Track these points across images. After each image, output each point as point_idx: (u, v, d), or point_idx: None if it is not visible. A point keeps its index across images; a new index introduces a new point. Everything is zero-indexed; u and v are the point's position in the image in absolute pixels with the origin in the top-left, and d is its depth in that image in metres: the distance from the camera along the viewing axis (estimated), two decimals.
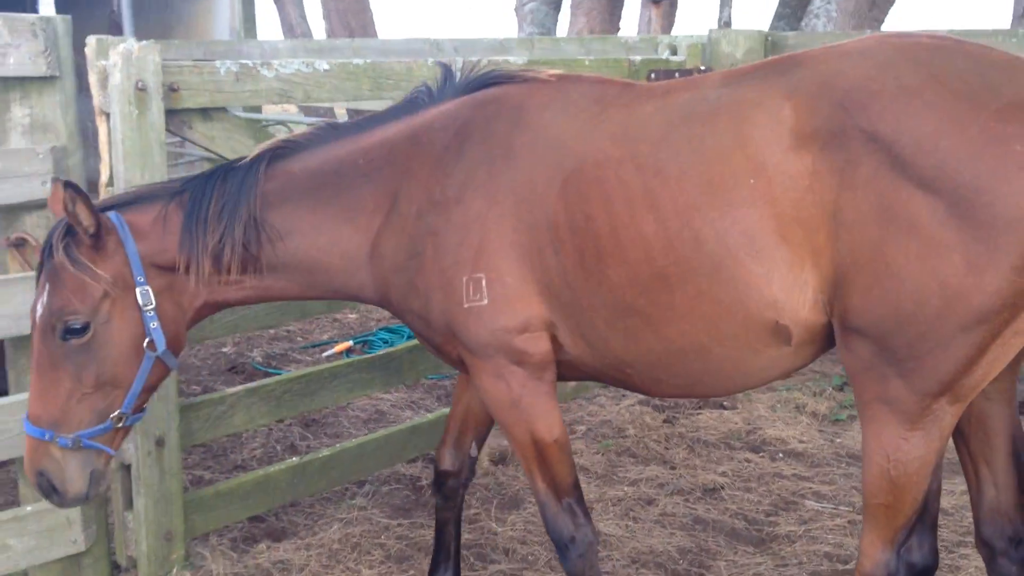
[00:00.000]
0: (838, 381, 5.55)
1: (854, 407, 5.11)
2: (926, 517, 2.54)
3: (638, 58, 5.02)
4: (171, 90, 3.29)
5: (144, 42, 3.19)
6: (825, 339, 2.44)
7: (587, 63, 4.68)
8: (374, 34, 10.84)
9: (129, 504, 3.42)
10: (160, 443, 3.35)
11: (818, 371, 5.71)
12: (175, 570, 3.44)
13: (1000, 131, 2.09)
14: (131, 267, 2.57)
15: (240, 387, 3.74)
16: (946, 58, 2.26)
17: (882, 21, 7.40)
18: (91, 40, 3.25)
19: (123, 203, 2.70)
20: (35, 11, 18.15)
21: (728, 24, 9.93)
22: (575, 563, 2.82)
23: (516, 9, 9.99)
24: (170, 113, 3.31)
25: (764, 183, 2.29)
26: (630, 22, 11.07)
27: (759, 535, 3.95)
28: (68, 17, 3.27)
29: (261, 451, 4.76)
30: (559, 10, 9.78)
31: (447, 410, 4.64)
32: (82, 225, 2.50)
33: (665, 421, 5.09)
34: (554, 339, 2.63)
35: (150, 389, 2.69)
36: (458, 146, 2.64)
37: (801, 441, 4.87)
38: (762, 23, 11.40)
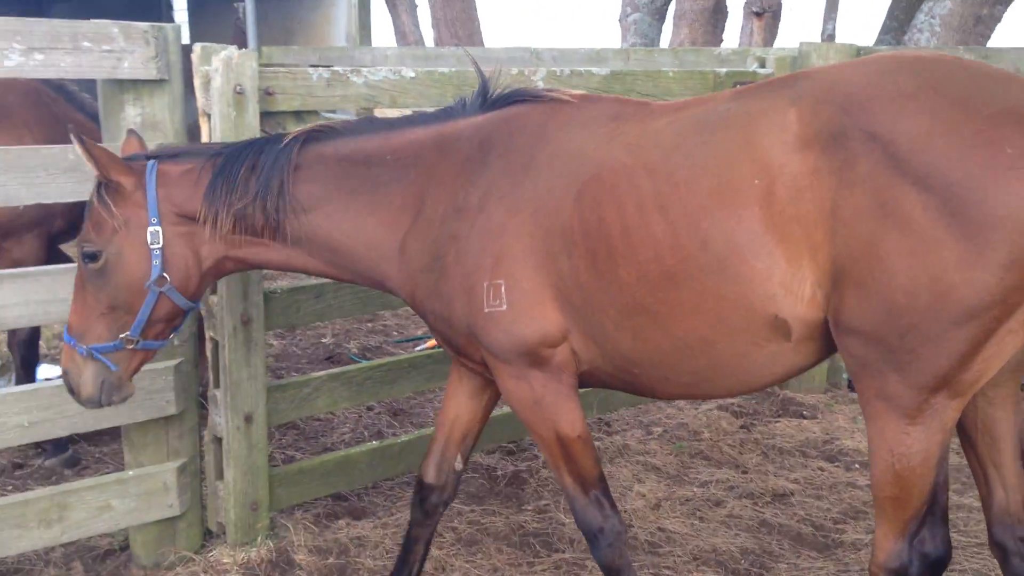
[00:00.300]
0: None
1: None
2: (936, 509, 2.59)
3: (723, 70, 5.07)
4: (267, 94, 3.55)
5: (243, 50, 3.47)
6: (824, 338, 2.50)
7: (671, 75, 4.76)
8: (480, 42, 11.12)
9: (220, 475, 3.70)
10: (248, 419, 3.62)
11: None
12: (259, 538, 3.70)
13: (991, 134, 2.18)
14: (147, 209, 2.81)
15: (324, 372, 3.99)
16: (943, 69, 2.36)
17: (988, 37, 7.22)
18: (196, 47, 3.53)
19: (165, 155, 2.94)
20: (170, 18, 19.16)
21: (832, 37, 9.83)
22: (605, 552, 2.94)
23: (620, 20, 10.12)
24: (265, 115, 3.58)
25: (768, 184, 2.40)
26: (732, 34, 11.05)
27: (824, 541, 3.98)
28: (178, 25, 3.58)
29: (350, 435, 5.02)
30: (663, 21, 9.86)
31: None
32: (96, 171, 2.79)
33: (742, 427, 5.14)
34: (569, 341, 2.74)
35: (161, 322, 2.90)
36: (482, 157, 2.79)
37: None
38: (868, 37, 11.19)
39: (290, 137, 2.91)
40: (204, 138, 3.59)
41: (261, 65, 3.52)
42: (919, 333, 2.26)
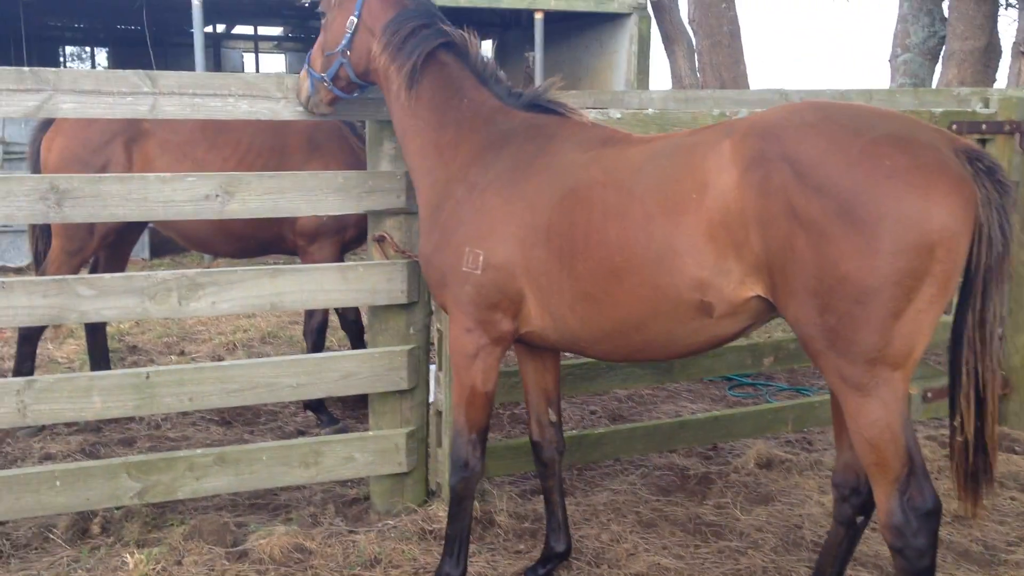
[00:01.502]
0: None
1: None
2: (915, 468, 2.87)
3: (939, 111, 5.26)
4: None
5: None
6: (747, 314, 3.06)
7: None
8: (746, 85, 11.50)
9: (439, 442, 4.49)
10: None
11: None
12: None
13: (873, 151, 2.73)
14: (355, 2, 3.78)
15: None
16: (843, 108, 2.95)
17: None
18: None
19: None
20: None
21: None
22: (460, 481, 3.66)
23: (890, 60, 10.14)
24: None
25: (703, 196, 2.96)
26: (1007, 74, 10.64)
27: (989, 559, 4.10)
28: None
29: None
30: (936, 61, 9.78)
31: (717, 412, 5.27)
32: None
33: (945, 455, 5.23)
34: (528, 315, 3.39)
35: (342, 80, 3.89)
36: (502, 144, 3.49)
37: None
38: None
39: (443, 33, 3.70)
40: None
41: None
42: (832, 312, 2.76)
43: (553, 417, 3.92)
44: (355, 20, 3.79)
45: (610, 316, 3.22)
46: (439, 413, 4.47)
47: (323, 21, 3.94)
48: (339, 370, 4.27)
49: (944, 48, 9.32)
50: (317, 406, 5.67)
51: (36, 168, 5.57)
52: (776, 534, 4.32)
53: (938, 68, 9.65)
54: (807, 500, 4.66)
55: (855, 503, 3.35)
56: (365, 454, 4.34)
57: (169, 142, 5.47)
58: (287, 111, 4.14)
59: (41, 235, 5.70)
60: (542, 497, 4.55)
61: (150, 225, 5.71)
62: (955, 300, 3.03)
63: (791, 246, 2.81)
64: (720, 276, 2.99)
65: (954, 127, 5.23)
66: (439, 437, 4.48)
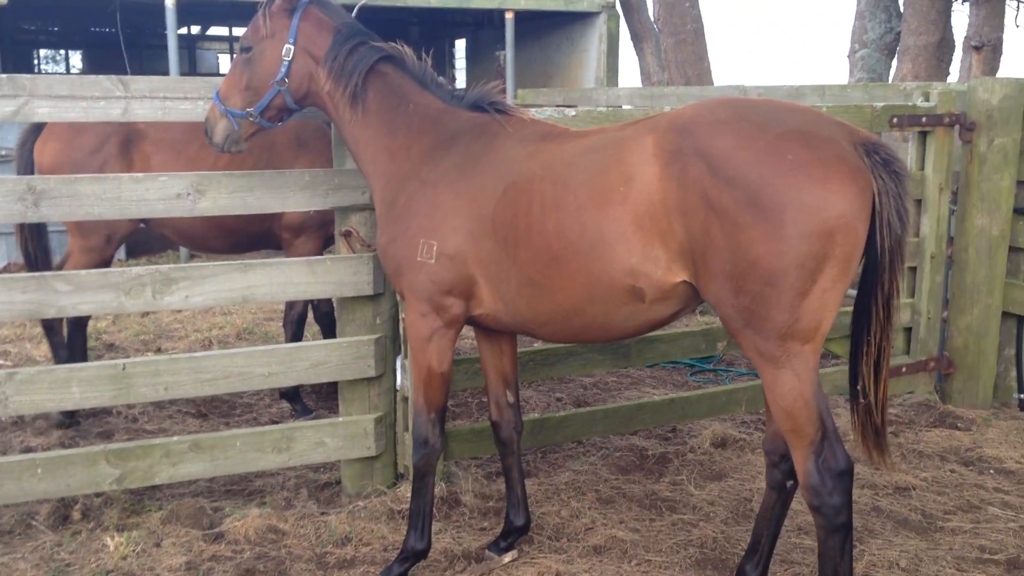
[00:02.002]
0: None
1: None
2: (828, 433, 3.12)
3: (880, 104, 5.52)
4: None
5: None
6: (677, 299, 3.28)
7: (824, 109, 5.30)
8: (710, 82, 11.75)
9: (406, 427, 4.70)
10: None
11: None
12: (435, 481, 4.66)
13: (779, 146, 2.97)
14: (288, 31, 3.88)
15: None
16: (754, 105, 3.17)
17: None
18: None
19: (318, 4, 3.95)
20: (453, 66, 21.18)
21: None
22: (421, 458, 3.88)
23: (848, 56, 10.41)
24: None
25: (629, 189, 3.19)
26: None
27: (927, 526, 4.35)
28: None
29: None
30: (892, 56, 10.06)
31: (673, 395, 5.51)
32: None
33: (891, 433, 5.49)
34: (480, 298, 3.62)
35: (273, 109, 3.96)
36: (450, 143, 3.72)
37: (1019, 462, 5.06)
38: None
39: (379, 49, 3.88)
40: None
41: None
42: (746, 293, 3.00)
43: (511, 399, 4.13)
44: (291, 48, 3.90)
45: (552, 300, 3.44)
46: (405, 399, 4.68)
47: (246, 56, 3.95)
48: (309, 359, 4.47)
49: (899, 43, 9.59)
50: (292, 396, 5.87)
51: (26, 173, 5.69)
52: (727, 507, 4.56)
53: (895, 63, 9.93)
54: (757, 476, 4.91)
55: (784, 468, 3.56)
56: (335, 439, 4.55)
57: (164, 140, 5.63)
58: None
59: (31, 236, 5.81)
60: (501, 476, 4.80)
61: (141, 224, 5.84)
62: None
63: (708, 233, 3.04)
64: (648, 263, 3.21)
65: (895, 120, 5.49)
66: (406, 422, 4.69)
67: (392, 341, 4.70)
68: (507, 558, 4.05)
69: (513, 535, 4.15)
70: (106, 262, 5.68)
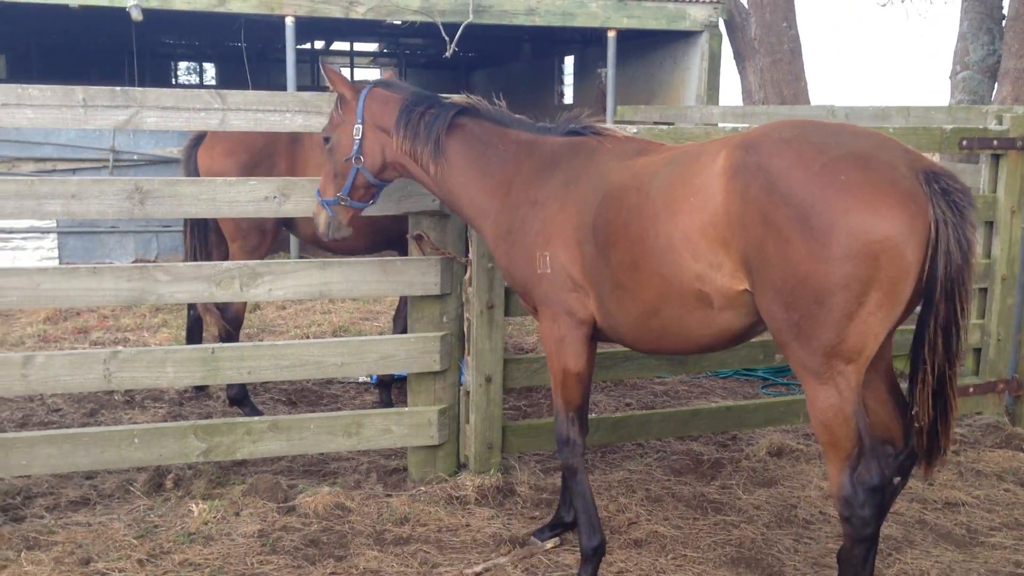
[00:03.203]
0: None
1: None
2: (865, 449, 3.21)
3: (950, 127, 5.59)
4: None
5: None
6: (746, 308, 3.36)
7: (891, 130, 5.42)
8: (806, 101, 11.75)
9: (467, 419, 5.02)
10: (488, 380, 4.92)
11: None
12: (492, 470, 4.96)
13: (833, 167, 3.06)
14: (356, 113, 4.19)
15: None
16: (821, 127, 3.27)
17: None
18: None
19: (381, 84, 4.31)
20: (561, 82, 21.53)
21: None
22: (567, 455, 4.04)
23: (950, 76, 10.30)
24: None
25: (698, 199, 3.34)
26: None
27: (968, 541, 4.42)
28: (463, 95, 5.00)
29: None
30: (994, 78, 9.90)
31: (729, 403, 5.67)
32: (331, 86, 4.28)
33: (953, 451, 5.53)
34: (592, 303, 3.79)
35: (360, 189, 4.26)
36: (552, 165, 3.96)
37: None
38: None
39: (453, 106, 4.18)
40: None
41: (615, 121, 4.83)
42: (795, 309, 3.11)
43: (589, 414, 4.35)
44: (360, 127, 4.19)
45: (633, 302, 3.63)
46: (467, 393, 5.00)
47: (328, 147, 4.29)
48: (379, 351, 4.84)
49: (1000, 65, 9.46)
50: (386, 385, 6.25)
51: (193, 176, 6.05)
52: (771, 511, 4.72)
53: (996, 85, 9.77)
54: (808, 484, 5.04)
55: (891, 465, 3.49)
56: (401, 427, 4.90)
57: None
58: None
59: (192, 232, 6.23)
60: (558, 471, 5.08)
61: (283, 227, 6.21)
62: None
63: (763, 247, 3.15)
64: (712, 269, 3.34)
65: (964, 143, 5.55)
66: (467, 415, 5.01)
67: (458, 339, 5.03)
68: (549, 544, 4.32)
69: (560, 528, 4.40)
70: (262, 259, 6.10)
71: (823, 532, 4.52)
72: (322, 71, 4.37)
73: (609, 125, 4.20)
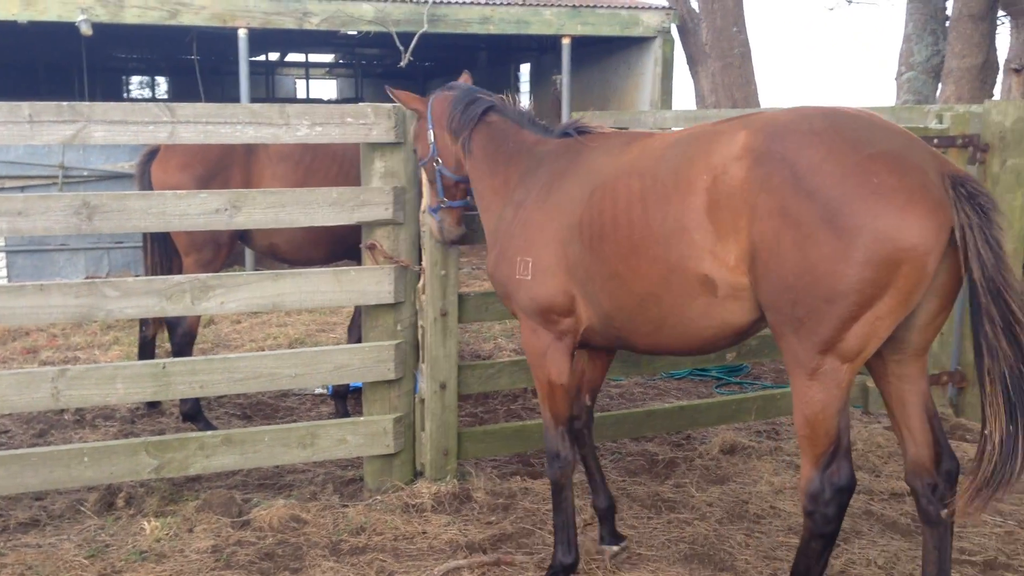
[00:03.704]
0: None
1: None
2: (841, 449, 3.18)
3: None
4: None
5: None
6: (749, 301, 3.25)
7: None
8: (756, 104, 11.93)
9: (423, 427, 5.03)
10: (443, 387, 4.94)
11: None
12: (448, 477, 4.98)
13: (866, 167, 2.95)
14: (427, 120, 4.39)
15: (507, 359, 5.22)
16: (850, 119, 3.13)
17: None
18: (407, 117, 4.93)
19: (442, 89, 4.47)
20: (518, 89, 21.63)
21: None
22: (556, 471, 4.00)
23: (896, 78, 10.51)
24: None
25: (713, 180, 3.21)
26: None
27: (914, 529, 4.50)
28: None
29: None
30: (939, 79, 10.12)
31: (683, 402, 5.75)
32: (403, 104, 4.55)
33: (898, 444, 5.63)
34: (580, 309, 3.75)
35: (451, 187, 4.42)
36: (536, 167, 3.98)
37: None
38: None
39: (484, 102, 4.28)
40: (423, 184, 4.97)
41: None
42: (802, 306, 3.03)
43: (588, 402, 4.32)
44: (431, 131, 4.39)
45: (631, 290, 3.51)
46: (422, 401, 5.01)
47: (421, 162, 4.55)
48: (333, 362, 4.84)
49: (944, 66, 9.67)
50: (342, 395, 6.26)
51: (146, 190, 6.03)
52: (724, 508, 4.79)
53: (940, 86, 9.99)
54: (759, 480, 5.11)
55: (937, 497, 3.35)
56: (356, 437, 4.91)
57: (279, 150, 6.07)
58: (287, 135, 4.74)
59: (152, 248, 6.21)
60: (516, 484, 5.11)
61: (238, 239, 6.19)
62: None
63: (778, 240, 3.04)
64: (720, 255, 3.22)
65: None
66: (423, 422, 5.03)
67: (412, 347, 5.05)
68: (616, 548, 4.27)
69: (607, 519, 4.32)
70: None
71: (773, 526, 4.59)
72: (391, 95, 4.51)
73: (596, 125, 4.18)
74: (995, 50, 9.42)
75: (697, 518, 4.68)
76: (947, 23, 9.97)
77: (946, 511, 3.32)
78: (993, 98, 9.37)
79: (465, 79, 4.73)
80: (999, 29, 9.94)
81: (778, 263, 3.06)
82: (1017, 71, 9.24)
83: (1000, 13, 9.78)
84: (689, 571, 4.15)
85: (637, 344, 3.76)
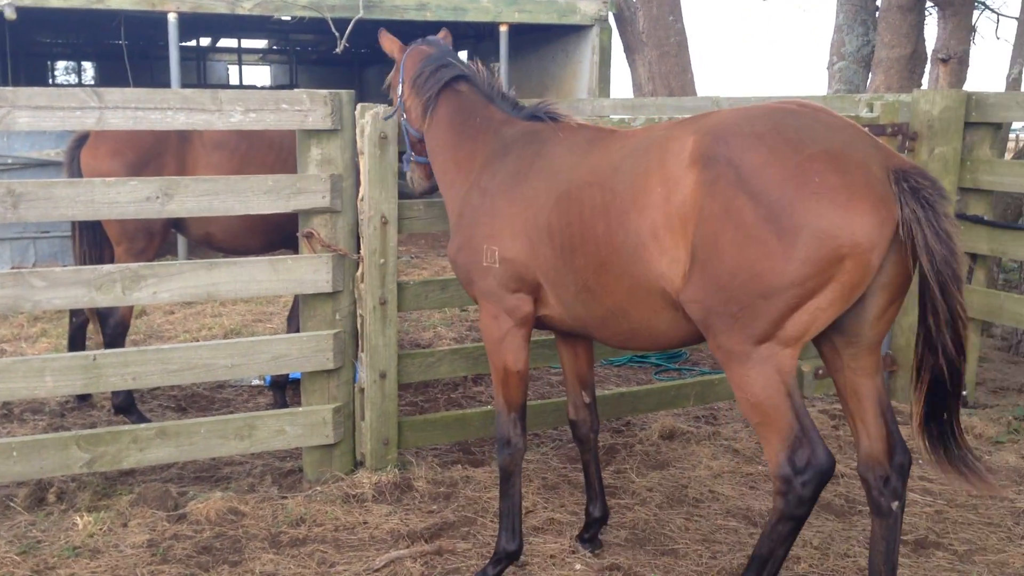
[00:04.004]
0: (1021, 411, 5.79)
1: (1021, 431, 5.48)
2: (808, 431, 3.12)
3: None
4: None
5: (386, 106, 4.79)
6: None
7: None
8: (693, 93, 12.00)
9: (363, 416, 4.99)
10: (383, 376, 4.90)
11: (1011, 403, 5.97)
12: (389, 467, 4.95)
13: (807, 167, 2.96)
14: (400, 72, 4.48)
15: (447, 347, 5.19)
16: (793, 117, 3.13)
17: None
18: (358, 106, 4.88)
19: (424, 41, 4.48)
20: None
21: (1017, 82, 9.86)
22: (505, 458, 3.99)
23: (828, 67, 10.66)
24: (404, 153, 4.88)
25: (668, 191, 3.21)
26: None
27: (848, 510, 4.61)
28: (351, 91, 4.96)
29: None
30: (869, 68, 10.29)
31: (623, 389, 5.78)
32: (384, 48, 4.64)
33: (833, 427, 5.76)
34: (544, 301, 3.78)
35: (417, 143, 4.45)
36: (505, 152, 3.95)
37: None
38: None
39: (456, 69, 4.26)
40: (361, 172, 4.92)
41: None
42: (737, 303, 3.05)
43: (587, 399, 4.25)
44: (401, 85, 4.39)
45: (603, 304, 3.52)
46: (362, 391, 4.97)
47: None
48: (271, 352, 4.77)
49: (874, 56, 9.84)
50: (280, 386, 6.17)
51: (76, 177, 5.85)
52: (663, 493, 4.83)
53: (871, 75, 10.16)
54: (698, 465, 5.17)
55: (889, 490, 3.32)
56: (295, 427, 4.84)
57: (213, 138, 5.93)
58: (220, 121, 4.64)
59: (81, 237, 6.00)
60: (457, 473, 5.09)
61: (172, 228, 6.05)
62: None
63: (716, 240, 3.05)
64: (673, 266, 3.22)
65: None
66: (363, 412, 4.98)
67: (351, 336, 5.00)
68: (589, 552, 4.23)
69: (594, 526, 4.30)
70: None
71: (712, 510, 4.65)
72: (379, 36, 4.58)
73: (566, 111, 4.13)
74: (923, 40, 9.61)
75: (638, 503, 4.72)
76: (877, 14, 10.14)
77: (897, 503, 3.30)
78: (921, 87, 9.56)
79: (444, 36, 4.66)
80: (927, 20, 10.13)
81: (715, 262, 3.06)
82: (944, 61, 9.46)
83: (928, 4, 9.97)
84: (631, 556, 4.18)
85: (608, 343, 3.79)
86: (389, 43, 4.55)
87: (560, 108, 4.09)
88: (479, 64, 4.35)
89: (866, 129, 5.77)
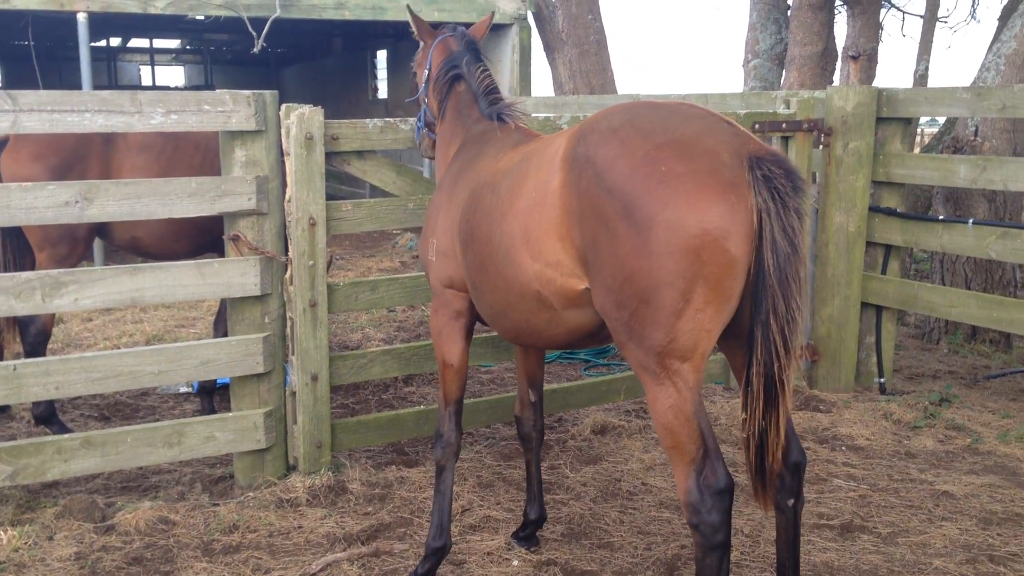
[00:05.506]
0: (936, 396, 6.02)
1: (938, 416, 5.68)
2: (709, 450, 2.98)
3: (743, 111, 5.93)
4: (332, 138, 4.81)
5: (312, 107, 4.75)
6: (590, 305, 3.18)
7: None
8: (613, 91, 12.17)
9: (295, 420, 4.94)
10: (315, 378, 4.86)
11: (927, 388, 6.19)
12: (323, 470, 4.91)
13: (655, 156, 2.89)
14: (427, 59, 4.49)
15: (378, 348, 5.17)
16: (650, 109, 3.09)
17: None
18: (283, 107, 4.83)
19: (448, 34, 4.45)
20: (375, 76, 21.35)
21: (924, 78, 10.23)
22: (438, 451, 4.02)
23: (743, 65, 10.90)
24: (332, 154, 4.85)
25: (540, 193, 3.22)
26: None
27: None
28: (275, 92, 4.91)
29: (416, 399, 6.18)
30: (783, 66, 10.55)
31: (555, 385, 5.84)
32: (415, 33, 4.61)
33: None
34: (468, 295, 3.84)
35: (432, 122, 4.55)
36: (462, 151, 4.07)
37: (868, 439, 5.48)
38: (964, 74, 11.36)
39: (457, 70, 4.29)
40: (287, 171, 4.86)
41: (327, 118, 4.80)
42: (625, 308, 2.93)
43: (533, 397, 4.26)
44: (427, 72, 4.45)
45: (486, 301, 3.61)
46: (293, 394, 4.92)
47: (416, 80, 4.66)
48: (198, 357, 4.69)
49: (787, 54, 10.09)
50: (208, 391, 6.07)
51: None
52: (597, 487, 4.89)
53: (785, 72, 10.42)
54: (630, 459, 5.25)
55: (785, 488, 3.29)
56: (225, 433, 4.77)
57: (138, 140, 5.77)
58: (140, 124, 4.54)
59: (4, 245, 5.80)
60: (392, 474, 5.07)
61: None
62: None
63: (595, 242, 2.98)
64: (549, 269, 3.19)
65: (756, 126, 5.89)
66: (294, 415, 4.94)
67: (281, 339, 4.95)
68: (524, 550, 4.24)
69: (529, 527, 4.30)
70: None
71: (645, 502, 4.72)
72: (410, 16, 4.59)
73: (519, 111, 4.18)
74: (834, 38, 9.88)
75: (572, 498, 4.77)
76: (789, 12, 10.39)
77: (792, 500, 3.30)
78: (833, 84, 9.84)
79: (482, 29, 4.56)
80: (837, 18, 10.42)
81: (600, 266, 3.01)
82: (855, 58, 9.74)
83: (838, 3, 10.27)
84: (568, 550, 4.23)
85: (504, 338, 3.84)
86: (421, 27, 4.56)
87: (515, 110, 4.15)
88: (474, 65, 4.29)
89: (784, 125, 6.00)
